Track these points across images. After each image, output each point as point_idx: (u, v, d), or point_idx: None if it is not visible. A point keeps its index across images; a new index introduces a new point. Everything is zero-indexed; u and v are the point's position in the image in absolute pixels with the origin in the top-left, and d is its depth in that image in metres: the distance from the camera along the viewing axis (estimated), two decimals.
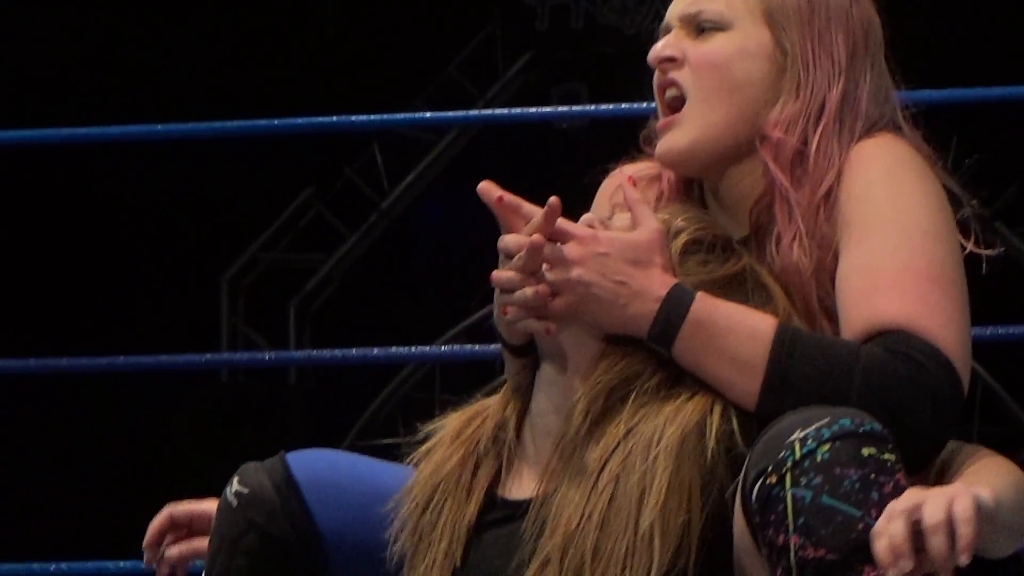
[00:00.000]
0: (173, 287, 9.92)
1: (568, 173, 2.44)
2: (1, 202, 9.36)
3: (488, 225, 2.17)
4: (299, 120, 5.08)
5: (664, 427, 2.00)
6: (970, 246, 2.20)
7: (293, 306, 10.64)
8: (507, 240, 2.08)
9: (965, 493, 1.86)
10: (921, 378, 2.03)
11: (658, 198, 2.28)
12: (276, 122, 4.89)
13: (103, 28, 9.88)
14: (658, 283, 2.05)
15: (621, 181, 2.25)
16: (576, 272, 2.04)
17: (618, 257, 2.05)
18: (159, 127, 4.66)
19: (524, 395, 2.14)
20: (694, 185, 2.29)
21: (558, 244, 2.06)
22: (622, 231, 2.10)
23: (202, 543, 2.26)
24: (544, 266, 2.05)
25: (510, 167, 8.16)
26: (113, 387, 8.20)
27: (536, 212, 2.08)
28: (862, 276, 2.10)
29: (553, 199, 2.06)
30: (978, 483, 2.00)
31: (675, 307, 2.04)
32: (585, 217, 2.13)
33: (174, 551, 2.29)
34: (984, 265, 2.23)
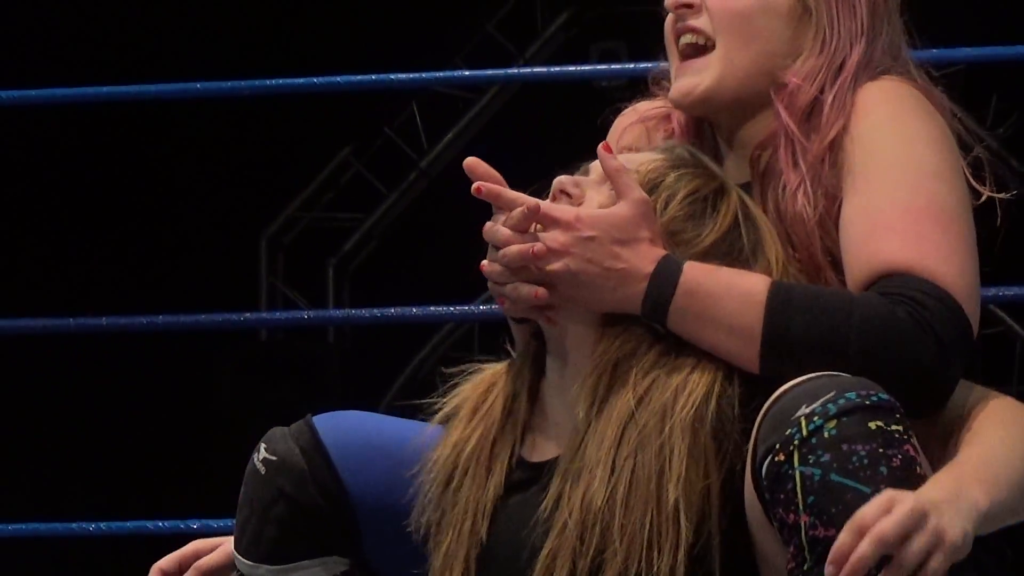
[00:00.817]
0: (213, 246, 9.92)
1: (607, 130, 2.44)
2: (40, 160, 9.39)
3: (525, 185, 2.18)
4: (338, 78, 5.09)
5: (675, 399, 2.00)
6: (985, 191, 2.20)
7: (332, 265, 10.65)
8: (492, 233, 2.08)
9: (947, 545, 1.84)
10: (922, 318, 2.01)
11: (668, 138, 2.28)
12: (316, 80, 4.89)
13: None
14: (646, 259, 2.05)
15: (628, 123, 2.26)
16: (563, 263, 2.05)
17: (604, 239, 2.05)
18: (199, 85, 4.67)
19: (533, 364, 2.14)
20: (705, 126, 2.29)
21: (542, 232, 2.06)
22: (600, 196, 2.09)
23: (203, 565, 2.27)
24: (532, 262, 2.06)
25: (549, 125, 8.17)
26: (153, 346, 8.24)
27: (520, 201, 2.07)
28: (861, 221, 2.10)
29: (530, 201, 2.07)
30: (981, 438, 2.00)
31: (664, 282, 2.04)
32: (561, 181, 2.12)
33: None
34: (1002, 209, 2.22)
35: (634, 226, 2.06)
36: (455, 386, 2.21)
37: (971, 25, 7.62)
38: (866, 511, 1.82)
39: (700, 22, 2.23)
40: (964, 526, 1.87)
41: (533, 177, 2.20)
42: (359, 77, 5.01)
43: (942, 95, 2.27)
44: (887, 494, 1.84)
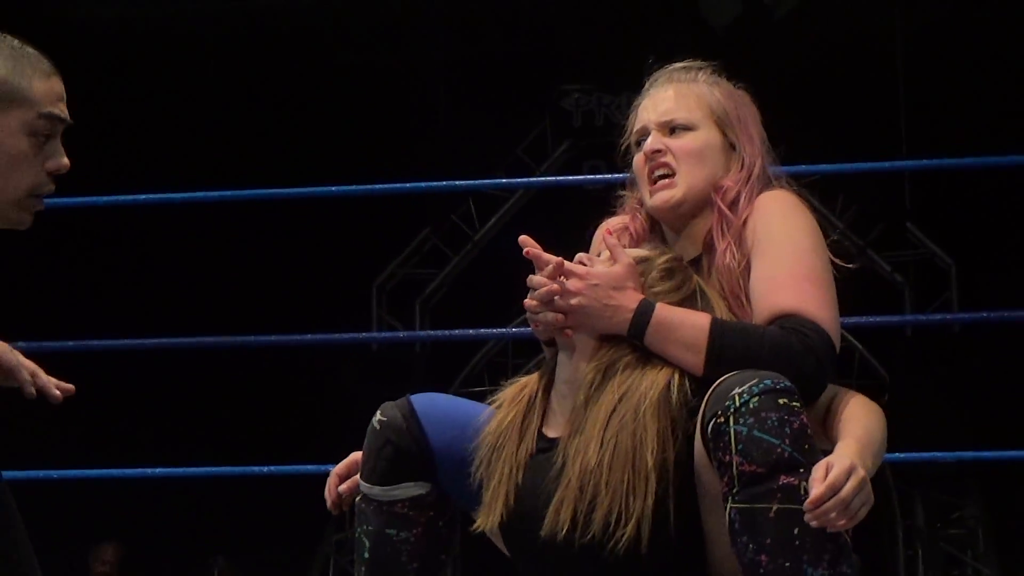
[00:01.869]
0: (344, 290, 9.98)
1: (594, 218, 2.46)
2: (221, 220, 9.38)
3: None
4: (425, 184, 5.13)
5: (645, 393, 2.01)
6: (840, 263, 2.22)
7: (418, 302, 10.68)
8: (533, 281, 2.10)
9: (867, 487, 1.90)
10: (807, 343, 2.04)
11: (630, 238, 2.30)
12: (409, 185, 4.94)
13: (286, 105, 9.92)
14: (632, 300, 2.06)
15: (603, 232, 2.29)
16: (577, 300, 2.07)
17: (605, 286, 2.07)
18: (333, 188, 4.69)
19: (550, 371, 2.15)
20: (656, 229, 2.30)
21: (564, 280, 2.08)
22: (605, 264, 2.11)
23: (357, 479, 2.27)
24: (556, 297, 2.08)
25: (555, 214, 8.17)
26: (304, 356, 8.25)
27: (551, 260, 2.10)
28: (764, 281, 2.12)
29: (558, 260, 2.10)
30: (859, 426, 2.02)
31: (642, 315, 2.05)
32: (579, 256, 2.14)
33: (343, 488, 2.29)
34: (848, 272, 2.24)
35: (623, 279, 2.08)
36: (503, 388, 2.21)
37: (825, 142, 7.67)
38: (819, 470, 1.87)
39: (667, 159, 2.25)
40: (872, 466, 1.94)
41: (545, 246, 2.22)
42: (439, 183, 5.04)
43: (808, 196, 2.29)
44: (837, 459, 1.90)
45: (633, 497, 1.95)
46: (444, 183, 4.85)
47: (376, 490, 2.13)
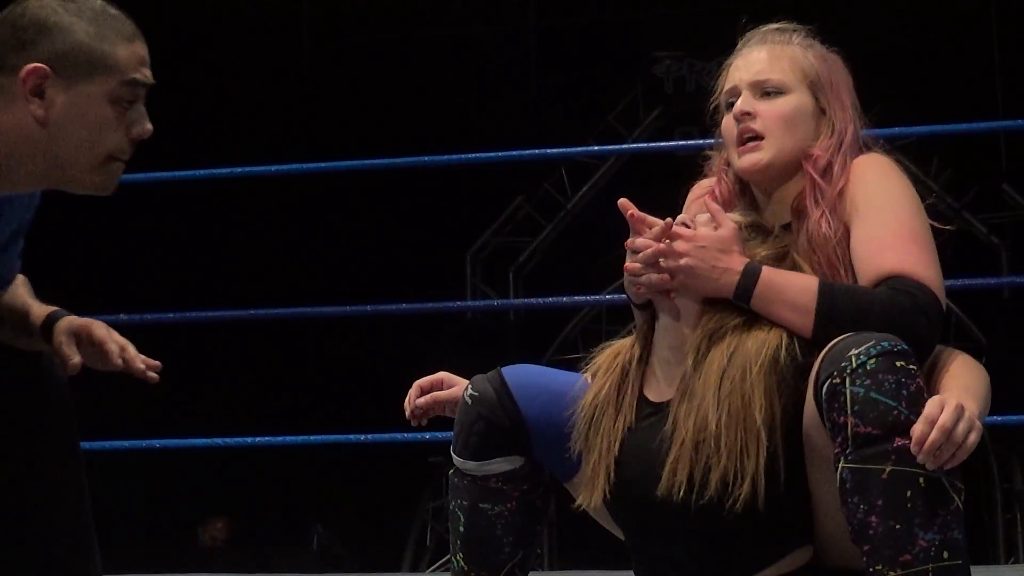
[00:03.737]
0: (441, 260, 10.01)
1: (686, 184, 2.44)
2: (329, 202, 9.43)
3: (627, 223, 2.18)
4: (519, 151, 5.12)
5: (754, 354, 1.99)
6: (937, 225, 2.19)
7: (512, 271, 10.68)
8: (637, 243, 2.08)
9: (977, 425, 1.87)
10: (917, 303, 2.00)
11: (716, 202, 2.27)
12: (503, 153, 4.93)
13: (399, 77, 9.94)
14: (737, 262, 2.04)
15: (700, 194, 2.27)
16: (684, 261, 2.04)
17: (711, 248, 2.04)
18: (426, 158, 4.70)
19: (645, 337, 2.13)
20: (747, 193, 2.27)
21: (670, 242, 2.06)
22: (707, 227, 2.09)
23: (439, 395, 2.27)
24: (661, 259, 2.06)
25: (647, 182, 8.12)
26: (400, 327, 8.29)
27: (656, 222, 2.08)
28: (867, 243, 2.08)
29: (667, 221, 2.07)
30: (962, 381, 2.00)
31: (750, 276, 2.03)
32: (680, 217, 2.11)
33: (421, 401, 2.29)
34: (945, 235, 2.20)
35: (729, 242, 2.05)
36: (595, 356, 2.19)
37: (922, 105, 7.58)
38: (931, 410, 1.84)
39: (755, 123, 2.22)
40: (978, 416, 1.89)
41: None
42: (531, 151, 5.04)
43: (902, 159, 2.26)
44: (937, 398, 1.87)
45: (747, 456, 1.93)
46: (536, 151, 4.84)
47: (470, 465, 2.12)
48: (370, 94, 10.28)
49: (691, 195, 2.35)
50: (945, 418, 1.83)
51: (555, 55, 10.45)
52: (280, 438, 4.95)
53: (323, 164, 4.68)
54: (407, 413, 2.29)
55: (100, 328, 2.18)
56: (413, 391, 2.29)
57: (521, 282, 10.66)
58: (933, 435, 1.82)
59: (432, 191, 9.36)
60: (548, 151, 4.94)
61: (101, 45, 1.97)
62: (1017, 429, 9.72)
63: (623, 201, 2.11)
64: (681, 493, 1.96)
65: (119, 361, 2.15)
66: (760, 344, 2.00)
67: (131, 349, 2.16)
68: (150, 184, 4.34)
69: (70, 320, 2.18)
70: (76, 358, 2.13)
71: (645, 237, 2.08)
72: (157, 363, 2.17)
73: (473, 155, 4.78)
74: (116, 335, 2.18)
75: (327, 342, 9.30)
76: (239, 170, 4.80)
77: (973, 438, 1.84)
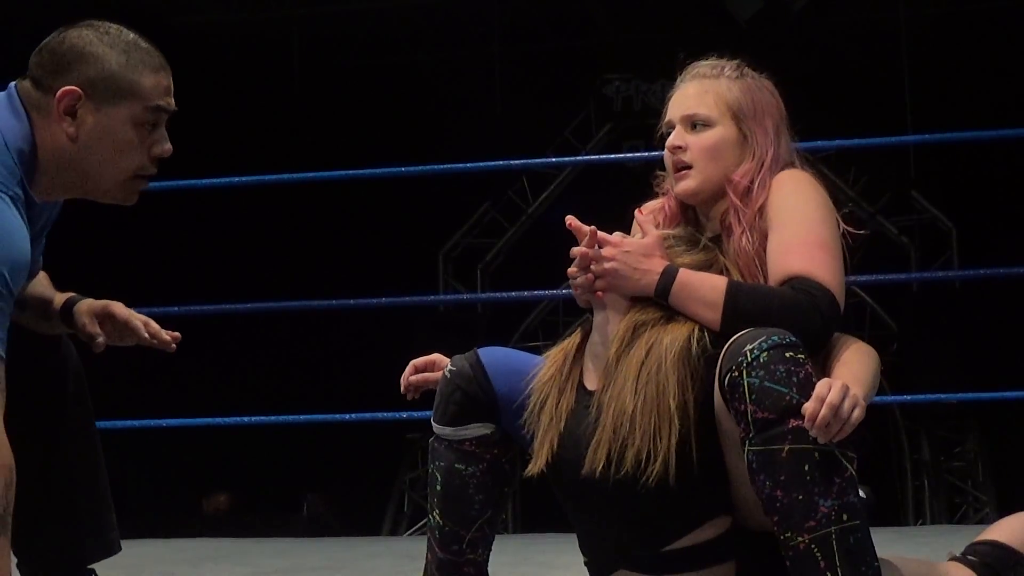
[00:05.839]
0: (414, 259, 10.00)
1: (634, 191, 2.44)
2: (300, 206, 9.40)
3: (584, 222, 2.18)
4: (485, 164, 5.12)
5: (669, 346, 1.99)
6: (851, 229, 2.18)
7: (479, 268, 10.70)
8: (574, 251, 2.09)
9: (861, 401, 1.86)
10: (814, 302, 2.00)
11: (664, 217, 2.27)
12: (472, 164, 4.94)
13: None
14: (658, 265, 2.04)
15: (648, 212, 2.27)
16: (610, 264, 2.05)
17: (635, 253, 2.05)
18: (402, 168, 4.69)
19: (586, 331, 2.13)
20: (689, 210, 2.28)
21: (599, 247, 2.07)
22: (636, 238, 2.10)
23: (430, 376, 2.28)
24: (592, 264, 2.07)
25: (600, 189, 8.14)
26: (380, 318, 8.28)
27: (588, 230, 2.07)
28: (778, 248, 2.08)
29: (591, 228, 2.07)
30: (850, 367, 2.00)
31: (668, 278, 2.03)
32: (616, 233, 2.12)
33: (415, 379, 2.29)
34: (859, 238, 2.20)
35: (651, 248, 2.06)
36: (552, 345, 2.20)
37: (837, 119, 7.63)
38: (820, 390, 1.85)
39: (685, 155, 2.22)
40: (864, 397, 1.91)
41: (591, 218, 2.21)
42: (495, 163, 5.03)
43: (822, 171, 2.26)
44: (825, 381, 1.87)
45: (660, 438, 1.94)
46: (501, 163, 4.83)
47: (447, 430, 2.13)
48: (354, 111, 10.28)
49: (636, 217, 2.35)
50: (832, 396, 1.84)
51: (517, 77, 10.48)
52: (275, 417, 4.95)
53: (314, 174, 4.67)
54: (402, 388, 2.29)
55: (120, 307, 2.20)
56: (408, 370, 2.30)
57: (488, 278, 10.68)
58: (823, 411, 1.83)
59: (409, 198, 9.36)
60: (511, 162, 4.93)
61: (130, 74, 2.00)
62: (924, 406, 9.79)
63: (569, 218, 2.12)
64: (600, 470, 1.97)
65: (146, 335, 2.18)
66: (674, 337, 2.00)
67: (153, 324, 2.20)
68: (159, 192, 4.33)
69: (90, 303, 2.20)
70: (101, 337, 2.15)
71: (580, 246, 2.09)
72: (177, 334, 2.22)
73: (445, 166, 4.78)
74: (135, 312, 2.20)
75: (318, 332, 9.30)
76: (243, 179, 4.78)
77: (857, 413, 1.86)
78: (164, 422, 4.46)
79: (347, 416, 4.48)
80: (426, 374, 2.28)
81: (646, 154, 4.57)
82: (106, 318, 2.18)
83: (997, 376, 6.57)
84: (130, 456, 8.35)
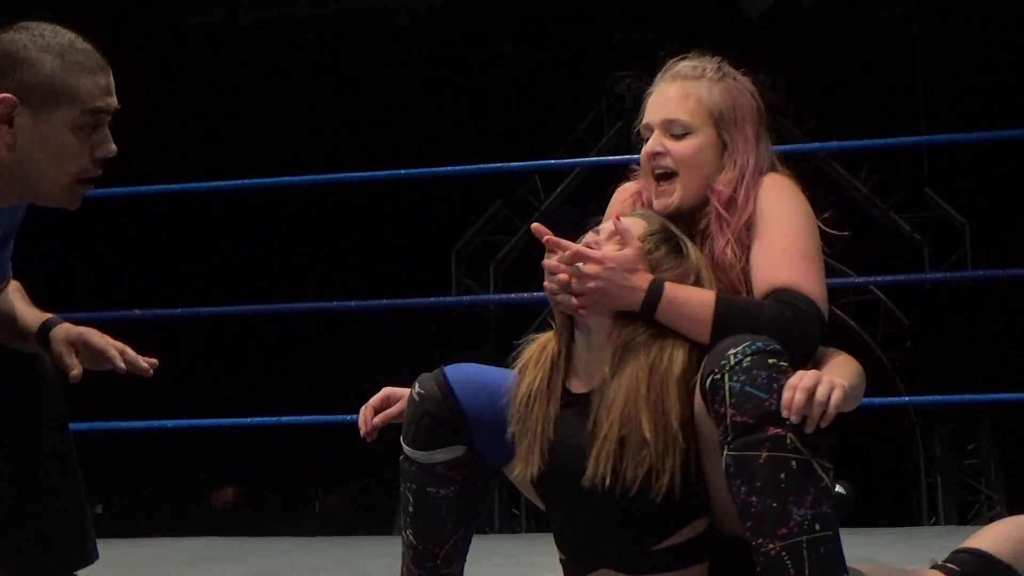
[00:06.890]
0: (426, 257, 10.00)
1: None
2: (315, 209, 9.40)
3: (597, 218, 2.15)
4: (501, 164, 5.11)
5: (668, 363, 1.98)
6: (831, 232, 2.15)
7: (492, 266, 10.69)
8: (549, 264, 2.05)
9: (838, 386, 1.85)
10: (799, 314, 1.98)
11: (642, 205, 2.23)
12: (487, 166, 4.93)
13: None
14: (643, 280, 2.00)
15: (623, 197, 2.23)
16: (594, 283, 2.01)
17: (619, 269, 2.01)
18: (417, 171, 4.69)
19: (568, 334, 2.10)
20: None
21: (581, 265, 2.03)
22: (615, 246, 2.05)
23: (391, 412, 2.23)
24: (574, 281, 2.03)
25: (611, 187, 8.12)
26: (392, 315, 8.28)
27: (569, 246, 2.04)
28: (762, 259, 2.05)
29: (575, 249, 2.02)
30: (833, 370, 1.98)
31: (654, 295, 2.00)
32: (587, 239, 2.07)
33: (376, 420, 2.25)
34: (862, 235, 2.17)
35: (635, 262, 2.02)
36: (522, 351, 2.16)
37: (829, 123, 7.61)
38: (794, 379, 1.84)
39: (665, 161, 2.18)
40: (843, 381, 1.89)
41: (601, 216, 2.18)
42: (510, 164, 5.04)
43: (798, 179, 2.22)
44: (799, 372, 1.86)
45: (667, 457, 1.93)
46: (516, 164, 4.83)
47: (418, 454, 2.10)
48: (367, 110, 10.28)
49: (615, 197, 2.31)
50: (806, 381, 1.83)
51: (530, 76, 10.46)
52: (287, 418, 4.93)
53: (328, 176, 4.68)
54: (362, 432, 2.24)
55: (95, 335, 2.14)
56: (367, 412, 2.24)
57: (501, 275, 10.67)
58: (797, 395, 1.82)
59: (422, 197, 9.36)
60: (526, 163, 4.93)
61: (66, 78, 1.93)
62: (937, 405, 9.76)
63: (536, 226, 2.08)
64: (601, 482, 1.95)
65: (122, 364, 2.12)
66: (673, 360, 1.98)
67: (130, 352, 2.14)
68: (163, 195, 4.30)
69: (66, 329, 2.15)
70: (77, 369, 2.10)
71: (557, 261, 2.05)
72: (155, 360, 2.15)
73: (458, 167, 4.77)
74: (111, 340, 2.14)
75: (329, 331, 9.28)
76: (255, 182, 4.76)
77: (837, 395, 1.84)
78: (176, 423, 4.45)
79: (346, 418, 4.44)
80: (385, 413, 2.23)
81: None
82: (82, 346, 2.13)
83: (1011, 373, 6.55)
84: (142, 455, 8.35)
